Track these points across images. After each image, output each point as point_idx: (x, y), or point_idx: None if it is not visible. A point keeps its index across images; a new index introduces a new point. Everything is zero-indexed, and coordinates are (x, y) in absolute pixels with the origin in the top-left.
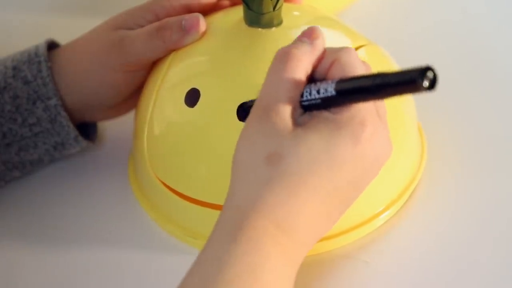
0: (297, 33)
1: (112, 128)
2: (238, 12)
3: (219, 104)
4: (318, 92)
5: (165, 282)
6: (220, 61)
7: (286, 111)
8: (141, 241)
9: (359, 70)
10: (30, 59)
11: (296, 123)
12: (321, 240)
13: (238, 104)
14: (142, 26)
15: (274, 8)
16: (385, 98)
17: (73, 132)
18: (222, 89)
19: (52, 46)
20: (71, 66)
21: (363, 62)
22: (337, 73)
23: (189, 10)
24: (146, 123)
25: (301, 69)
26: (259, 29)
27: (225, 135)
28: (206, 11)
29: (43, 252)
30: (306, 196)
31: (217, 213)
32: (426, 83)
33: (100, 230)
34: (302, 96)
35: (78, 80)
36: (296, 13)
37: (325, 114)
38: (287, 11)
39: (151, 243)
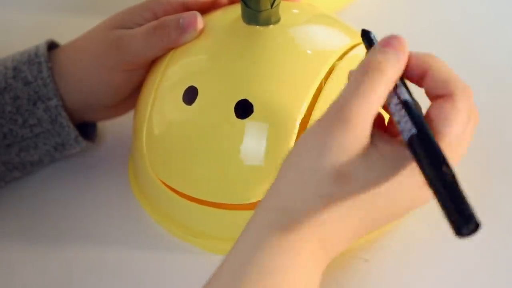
0: (295, 31)
1: (112, 128)
2: (235, 10)
3: (217, 102)
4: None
5: (165, 281)
6: (218, 59)
7: (366, 126)
8: (141, 240)
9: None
10: (30, 59)
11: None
12: None
13: (236, 101)
14: (140, 25)
15: (271, 5)
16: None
17: (73, 132)
18: (220, 86)
19: (52, 46)
20: (71, 66)
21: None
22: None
23: (186, 8)
24: (145, 122)
25: (385, 82)
26: (257, 26)
27: (223, 132)
28: (204, 9)
29: (43, 252)
30: (355, 220)
31: (216, 211)
32: (464, 232)
33: (100, 230)
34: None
35: (77, 80)
36: (294, 10)
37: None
38: (285, 9)
39: (151, 242)
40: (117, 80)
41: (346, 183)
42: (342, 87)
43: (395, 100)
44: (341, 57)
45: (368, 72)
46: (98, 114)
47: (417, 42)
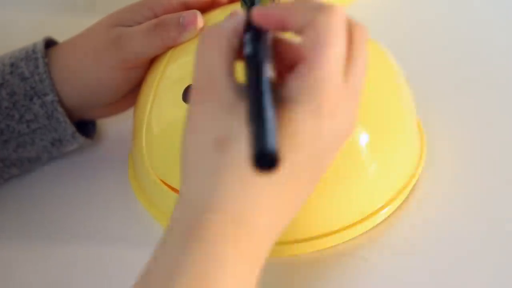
0: None
1: (112, 126)
2: (235, 9)
3: None
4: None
5: None
6: None
7: (223, 86)
8: (141, 238)
9: (338, 39)
10: (28, 55)
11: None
12: (321, 237)
13: None
14: (140, 23)
15: None
16: None
17: (70, 128)
18: None
19: (50, 44)
20: (69, 63)
21: (351, 24)
22: (309, 40)
23: (186, 7)
24: (145, 121)
25: (222, 39)
26: None
27: None
28: (204, 8)
29: (42, 251)
30: (262, 184)
31: None
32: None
33: (100, 228)
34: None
35: (75, 77)
36: None
37: (278, 85)
38: None
39: (151, 241)
40: (116, 77)
41: (228, 146)
42: None
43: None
44: None
45: (204, 37)
46: (97, 112)
47: (417, 41)
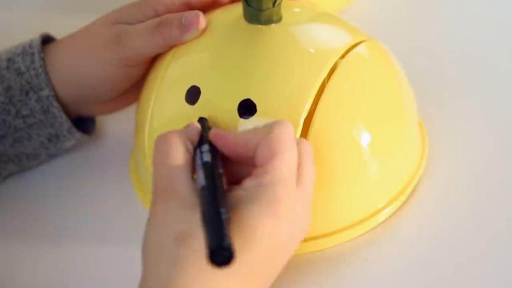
0: (296, 29)
1: (112, 124)
2: (237, 9)
3: (220, 101)
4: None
5: None
6: (220, 58)
7: (184, 188)
8: (142, 236)
9: (289, 147)
10: (24, 51)
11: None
12: (322, 237)
13: (239, 101)
14: (141, 22)
15: (273, 4)
16: None
17: (66, 123)
18: (223, 86)
19: (49, 40)
20: (68, 59)
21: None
22: (265, 150)
23: (188, 6)
24: (147, 119)
25: (181, 145)
26: (259, 25)
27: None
28: (206, 7)
29: (43, 250)
30: (220, 277)
31: None
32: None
33: (100, 226)
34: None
35: (74, 73)
36: (295, 9)
37: (234, 189)
38: (286, 8)
39: None
40: (115, 75)
41: (190, 239)
42: (345, 85)
43: (198, 161)
44: (343, 56)
45: (161, 143)
46: (95, 108)
47: (417, 41)
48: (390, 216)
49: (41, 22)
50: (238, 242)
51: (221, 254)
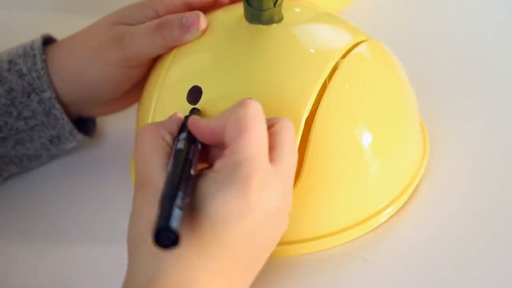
0: (297, 29)
1: (113, 125)
2: (238, 9)
3: (221, 102)
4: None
5: None
6: (221, 58)
7: (159, 180)
8: None
9: (255, 124)
10: (26, 52)
11: None
12: (323, 237)
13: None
14: (142, 22)
15: (274, 4)
16: None
17: (68, 125)
18: (224, 86)
19: (49, 41)
20: (69, 60)
21: (272, 119)
22: (230, 130)
23: (189, 7)
24: (149, 120)
25: (156, 139)
26: (260, 25)
27: None
28: (207, 8)
29: (44, 250)
30: (199, 262)
31: None
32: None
33: (101, 227)
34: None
35: (75, 74)
36: (296, 9)
37: (206, 172)
38: (287, 8)
39: None
40: (116, 75)
41: None
42: (346, 85)
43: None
44: (344, 55)
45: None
46: (96, 109)
47: (418, 41)
48: (391, 217)
49: (42, 23)
50: (205, 224)
51: (166, 236)
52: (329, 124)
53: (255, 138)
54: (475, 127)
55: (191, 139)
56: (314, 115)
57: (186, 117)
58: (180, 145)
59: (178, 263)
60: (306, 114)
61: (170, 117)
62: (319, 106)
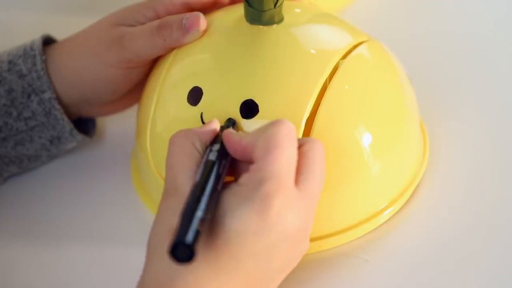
0: (298, 30)
1: (113, 125)
2: (238, 9)
3: (222, 102)
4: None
5: None
6: (221, 59)
7: (185, 187)
8: (143, 238)
9: (285, 143)
10: (26, 53)
11: None
12: (324, 238)
13: (241, 101)
14: (142, 23)
15: (275, 5)
16: None
17: (68, 125)
18: (225, 87)
19: (49, 42)
20: (69, 61)
21: (303, 139)
22: (260, 147)
23: (189, 8)
24: (149, 120)
25: (187, 145)
26: (260, 26)
27: None
28: (207, 9)
29: (44, 250)
30: (209, 274)
31: None
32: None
33: (102, 228)
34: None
35: (75, 75)
36: (297, 10)
37: (230, 185)
38: (288, 8)
39: None
40: (116, 76)
41: None
42: (347, 86)
43: (204, 159)
44: (344, 56)
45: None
46: (96, 110)
47: (418, 41)
48: (391, 217)
49: (42, 23)
50: (221, 237)
51: (181, 250)
52: (329, 124)
53: (283, 157)
54: (475, 127)
55: (224, 153)
56: (315, 115)
57: (222, 128)
58: (212, 156)
59: (189, 274)
60: (306, 114)
61: (207, 124)
62: (319, 106)
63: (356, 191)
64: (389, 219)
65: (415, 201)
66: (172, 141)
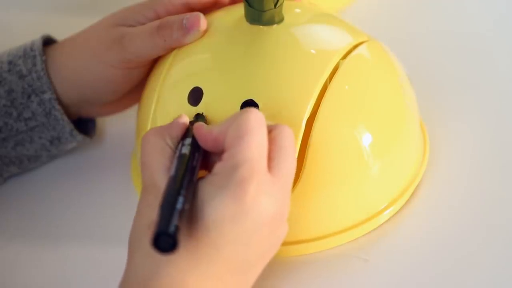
0: (298, 30)
1: (113, 125)
2: (239, 9)
3: (222, 102)
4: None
5: None
6: (222, 59)
7: (161, 183)
8: None
9: (255, 130)
10: (26, 53)
11: None
12: (324, 238)
13: (241, 101)
14: (142, 24)
15: (275, 5)
16: None
17: (68, 126)
18: (225, 87)
19: (49, 42)
20: (69, 61)
21: (273, 126)
22: (231, 135)
23: (189, 8)
24: (149, 121)
25: (159, 142)
26: (260, 26)
27: None
28: (207, 9)
29: (43, 250)
30: (189, 265)
31: None
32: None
33: (102, 228)
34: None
35: (75, 75)
36: (297, 10)
37: (205, 176)
38: (288, 8)
39: None
40: (116, 77)
41: None
42: (347, 86)
43: (177, 153)
44: (345, 56)
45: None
46: (96, 110)
47: (418, 41)
48: (391, 217)
49: (42, 23)
50: (200, 227)
51: (164, 240)
52: (329, 124)
53: (254, 142)
54: (475, 127)
55: (196, 146)
56: (315, 116)
57: (191, 122)
58: (185, 150)
59: (170, 265)
60: (306, 115)
61: (175, 120)
62: (319, 107)
63: (356, 191)
64: (389, 219)
65: (415, 201)
66: (144, 139)
